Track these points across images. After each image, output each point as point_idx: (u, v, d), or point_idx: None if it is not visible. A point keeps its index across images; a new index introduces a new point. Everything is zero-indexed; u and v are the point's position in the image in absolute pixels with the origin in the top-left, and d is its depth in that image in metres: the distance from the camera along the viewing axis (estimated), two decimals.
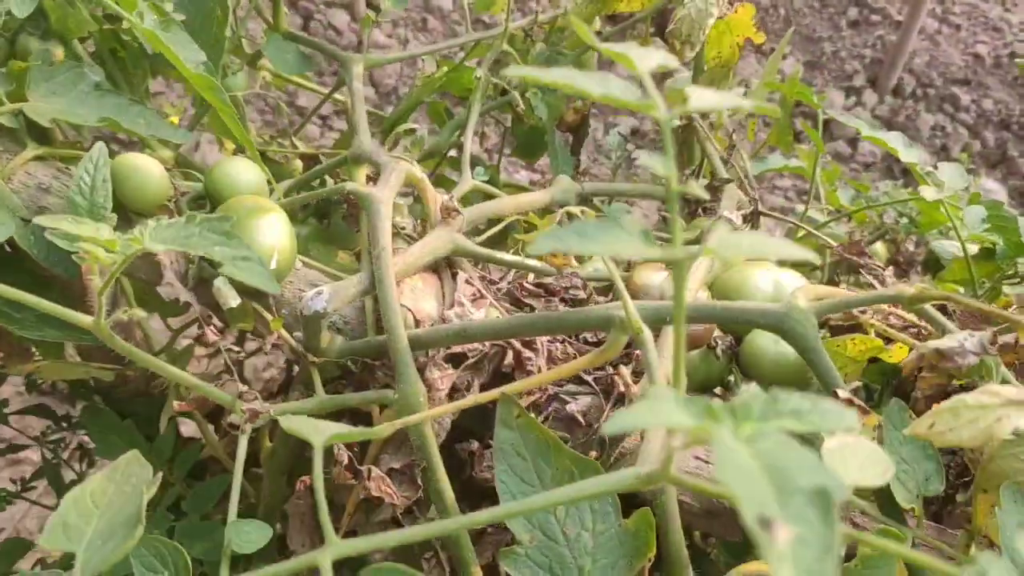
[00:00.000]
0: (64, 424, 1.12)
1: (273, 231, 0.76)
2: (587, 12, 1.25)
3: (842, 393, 0.60)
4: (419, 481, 0.72)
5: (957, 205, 1.12)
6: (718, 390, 0.92)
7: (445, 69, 1.24)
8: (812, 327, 0.62)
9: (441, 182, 1.44)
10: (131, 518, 0.49)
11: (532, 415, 0.75)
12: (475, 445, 0.76)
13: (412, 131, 1.09)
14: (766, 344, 0.84)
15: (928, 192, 0.96)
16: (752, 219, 0.99)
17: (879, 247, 1.71)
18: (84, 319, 0.63)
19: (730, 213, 0.86)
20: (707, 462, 0.77)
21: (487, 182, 1.34)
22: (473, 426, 0.76)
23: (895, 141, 1.02)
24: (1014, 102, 2.59)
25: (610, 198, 1.26)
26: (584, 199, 1.12)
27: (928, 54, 2.62)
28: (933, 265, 1.46)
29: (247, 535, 0.62)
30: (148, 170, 0.78)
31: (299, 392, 0.79)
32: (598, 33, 1.25)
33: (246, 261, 0.53)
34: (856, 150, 2.54)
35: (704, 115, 1.21)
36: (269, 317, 0.76)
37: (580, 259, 0.92)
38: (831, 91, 2.57)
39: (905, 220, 1.60)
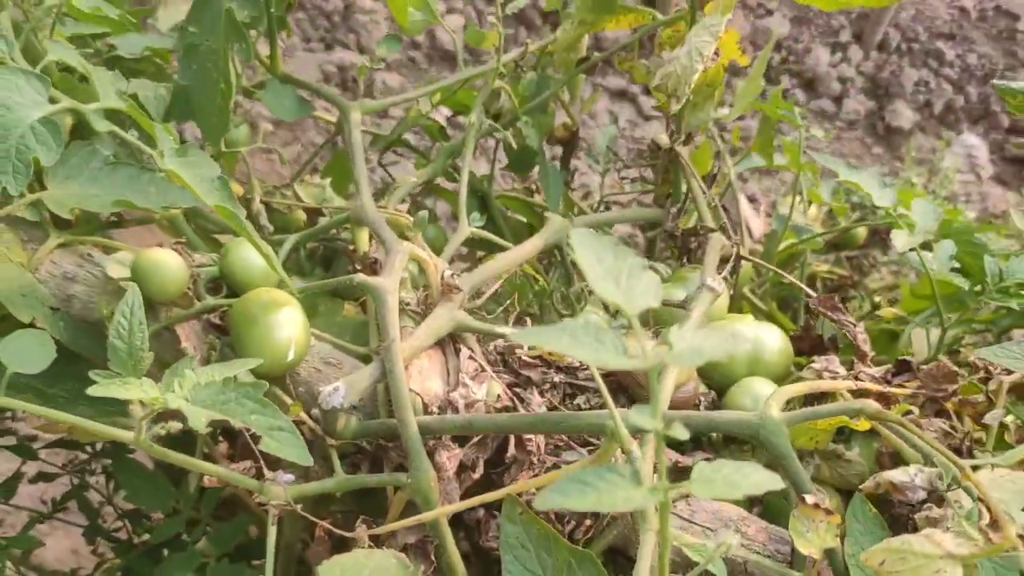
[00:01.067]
0: (90, 450, 1.19)
1: (289, 324, 0.82)
2: (576, 34, 1.28)
3: (809, 499, 0.68)
4: (432, 556, 0.80)
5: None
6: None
7: (439, 97, 1.27)
8: (784, 436, 0.69)
9: (434, 191, 1.49)
10: None
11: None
12: (481, 513, 0.84)
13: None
14: (744, 402, 0.92)
15: (900, 239, 1.02)
16: (735, 264, 1.05)
17: (860, 230, 1.77)
18: (126, 435, 0.70)
19: (712, 280, 0.92)
20: (689, 521, 0.85)
21: (482, 197, 1.40)
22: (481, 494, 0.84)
23: (869, 183, 1.07)
24: (998, 56, 2.61)
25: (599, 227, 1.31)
26: None
27: (914, 8, 2.62)
28: None
29: None
30: (168, 265, 0.83)
31: (318, 466, 0.86)
32: (585, 59, 1.28)
33: (281, 432, 0.60)
34: (841, 108, 2.57)
35: (688, 140, 1.25)
36: (288, 401, 0.83)
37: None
38: (817, 47, 2.58)
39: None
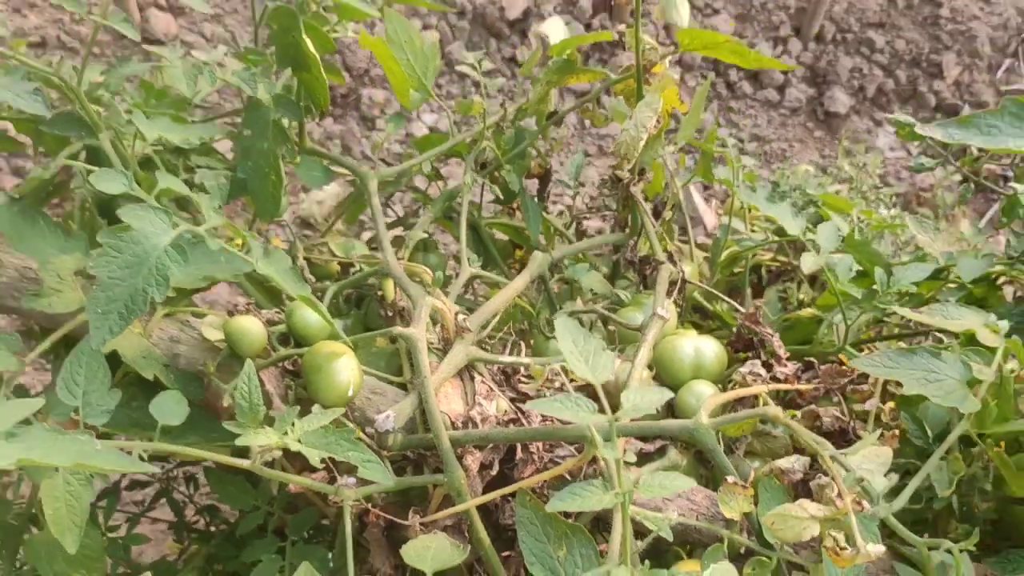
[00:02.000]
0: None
1: (347, 370, 1.09)
2: (544, 91, 1.55)
3: (730, 479, 0.97)
4: (466, 533, 1.09)
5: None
6: None
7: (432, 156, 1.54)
8: (711, 437, 0.98)
9: (439, 221, 1.76)
10: None
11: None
12: (498, 498, 1.12)
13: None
14: (690, 401, 1.20)
15: (807, 261, 1.30)
16: (681, 287, 1.33)
17: None
18: (243, 463, 0.97)
19: (662, 310, 1.20)
20: None
21: (473, 225, 1.67)
22: (498, 485, 1.12)
23: (783, 215, 1.35)
24: (924, 40, 2.89)
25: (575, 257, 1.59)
26: (555, 264, 1.46)
27: (846, 0, 2.89)
28: None
29: None
30: (251, 330, 1.10)
31: None
32: (553, 113, 1.55)
33: (370, 462, 0.88)
34: (784, 96, 2.84)
35: (641, 176, 1.53)
36: (351, 425, 1.11)
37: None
38: (760, 42, 2.84)
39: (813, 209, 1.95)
